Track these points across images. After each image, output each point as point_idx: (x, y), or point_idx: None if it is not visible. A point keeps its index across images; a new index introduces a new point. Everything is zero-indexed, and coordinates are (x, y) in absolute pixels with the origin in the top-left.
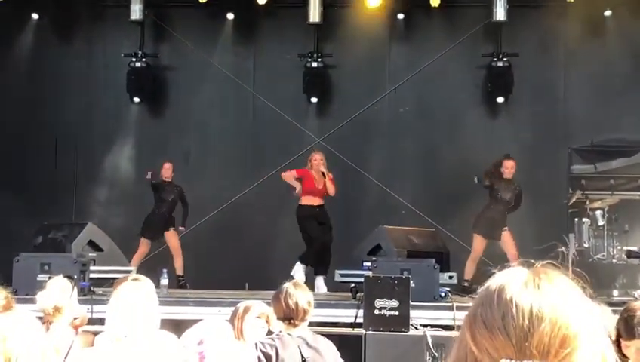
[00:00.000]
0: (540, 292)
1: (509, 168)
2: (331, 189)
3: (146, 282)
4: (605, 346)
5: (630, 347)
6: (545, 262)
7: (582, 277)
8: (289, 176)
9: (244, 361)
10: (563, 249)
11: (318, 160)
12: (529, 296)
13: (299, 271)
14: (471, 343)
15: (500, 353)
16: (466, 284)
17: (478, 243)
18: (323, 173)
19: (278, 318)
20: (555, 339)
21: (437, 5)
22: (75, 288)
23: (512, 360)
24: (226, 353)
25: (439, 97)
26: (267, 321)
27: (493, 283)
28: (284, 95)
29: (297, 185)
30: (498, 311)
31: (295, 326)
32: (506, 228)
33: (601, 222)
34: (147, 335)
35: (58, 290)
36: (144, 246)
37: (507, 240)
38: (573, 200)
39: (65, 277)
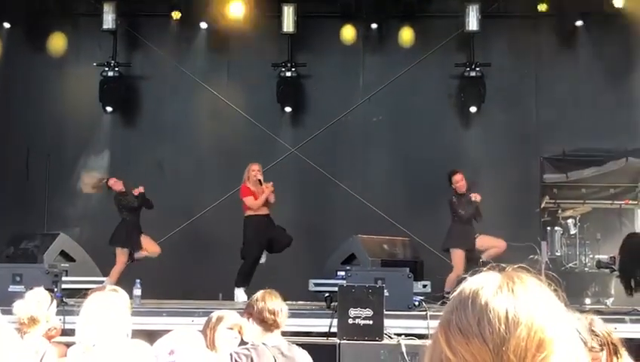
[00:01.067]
0: (515, 296)
1: (459, 181)
2: (272, 197)
3: (116, 292)
4: (579, 351)
5: None
6: (516, 266)
7: (555, 281)
8: (253, 202)
9: None
10: (537, 256)
11: (254, 170)
12: (504, 300)
13: (240, 295)
14: (446, 349)
15: (476, 358)
16: (446, 296)
17: (457, 257)
18: (260, 181)
19: (254, 322)
20: (532, 343)
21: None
22: (54, 301)
23: None
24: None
25: (413, 107)
26: (240, 332)
27: (466, 287)
28: (257, 104)
29: (264, 194)
30: (473, 317)
31: (271, 330)
32: (477, 234)
33: (573, 231)
34: (116, 343)
35: (35, 302)
36: (123, 255)
37: (484, 241)
38: (543, 205)
39: (45, 289)
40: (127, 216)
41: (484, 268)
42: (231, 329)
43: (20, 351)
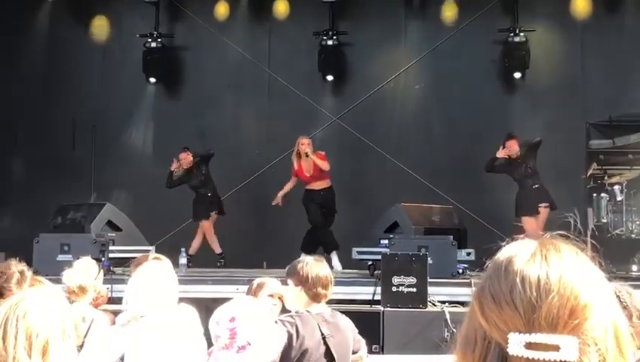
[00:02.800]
0: (548, 263)
1: (512, 146)
2: (322, 164)
3: (163, 261)
4: (617, 316)
5: None
6: (554, 233)
7: (593, 248)
8: (286, 185)
9: (273, 338)
10: (572, 219)
11: (303, 143)
12: (536, 267)
13: (335, 260)
14: (480, 316)
15: (508, 325)
16: None
17: (528, 224)
18: (306, 154)
19: (302, 290)
20: (564, 310)
21: None
22: (102, 271)
23: (520, 332)
24: (257, 331)
25: (455, 74)
26: (280, 299)
27: (501, 256)
28: (299, 73)
29: (279, 198)
30: (506, 284)
31: (319, 301)
32: (545, 204)
33: (619, 197)
34: (164, 313)
35: (84, 271)
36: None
37: (540, 218)
38: (589, 172)
39: (93, 258)
40: (199, 190)
41: (521, 236)
42: (271, 296)
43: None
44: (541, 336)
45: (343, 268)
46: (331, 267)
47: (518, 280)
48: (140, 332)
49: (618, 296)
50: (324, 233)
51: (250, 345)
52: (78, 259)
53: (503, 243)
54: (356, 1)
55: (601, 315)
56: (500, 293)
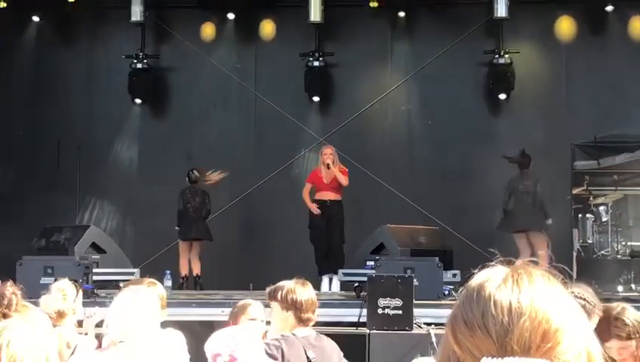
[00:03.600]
0: (519, 288)
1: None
2: (342, 179)
3: (154, 286)
4: (590, 341)
5: (611, 348)
6: (525, 259)
7: (564, 273)
8: (305, 196)
9: None
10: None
11: (325, 153)
12: (508, 292)
13: (324, 283)
14: (453, 343)
15: (481, 350)
16: None
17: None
18: (328, 165)
19: (285, 311)
20: (536, 334)
21: (438, 3)
22: (80, 291)
23: (493, 357)
24: (255, 352)
25: (441, 95)
26: (262, 323)
27: (472, 282)
28: (285, 94)
29: (312, 207)
30: (478, 309)
31: (306, 324)
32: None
33: (605, 218)
34: (145, 338)
35: (61, 294)
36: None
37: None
38: (574, 192)
39: (70, 280)
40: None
41: (493, 263)
42: (253, 320)
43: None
44: (514, 360)
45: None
46: (318, 289)
47: (489, 304)
48: (120, 358)
49: (574, 294)
50: (320, 254)
51: None
52: (55, 281)
53: (475, 271)
54: (342, 23)
55: (574, 339)
56: (473, 318)
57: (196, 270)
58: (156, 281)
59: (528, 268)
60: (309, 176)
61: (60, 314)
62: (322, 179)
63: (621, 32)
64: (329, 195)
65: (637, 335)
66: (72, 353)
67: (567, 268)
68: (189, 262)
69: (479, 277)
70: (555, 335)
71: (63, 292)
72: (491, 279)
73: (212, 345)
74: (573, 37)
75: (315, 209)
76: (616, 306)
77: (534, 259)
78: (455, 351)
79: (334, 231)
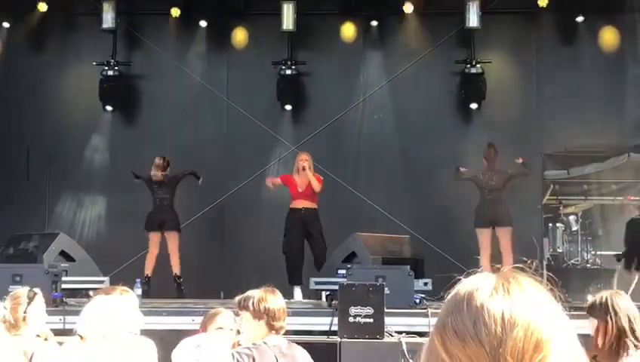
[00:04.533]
0: (511, 297)
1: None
2: (315, 184)
3: (127, 293)
4: (578, 351)
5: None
6: (512, 266)
7: (551, 281)
8: (271, 180)
9: None
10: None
11: (302, 159)
12: (500, 301)
13: (297, 292)
14: (442, 352)
15: (473, 361)
16: None
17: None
18: (303, 168)
19: (257, 320)
20: (529, 344)
21: (410, 12)
22: (35, 300)
23: None
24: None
25: (413, 104)
26: (232, 331)
27: (461, 289)
28: (258, 103)
29: (275, 182)
30: (469, 319)
31: (278, 332)
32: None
33: (574, 227)
34: (116, 339)
35: (11, 304)
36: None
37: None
38: (544, 201)
39: (27, 288)
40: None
41: (479, 270)
42: (221, 328)
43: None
44: None
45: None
46: (289, 298)
47: (481, 314)
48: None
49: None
50: (290, 264)
51: None
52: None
53: (461, 276)
54: (315, 31)
55: (564, 349)
56: (464, 329)
57: (175, 268)
58: (129, 289)
59: (517, 275)
60: (282, 176)
61: (12, 324)
62: (297, 187)
63: (591, 42)
64: (303, 203)
65: (618, 323)
66: (30, 360)
67: (554, 276)
68: (156, 259)
69: (467, 285)
70: (546, 345)
71: (16, 301)
72: (481, 287)
73: (178, 353)
74: (544, 47)
75: (270, 182)
76: (616, 292)
77: (519, 265)
78: (445, 360)
79: (317, 243)
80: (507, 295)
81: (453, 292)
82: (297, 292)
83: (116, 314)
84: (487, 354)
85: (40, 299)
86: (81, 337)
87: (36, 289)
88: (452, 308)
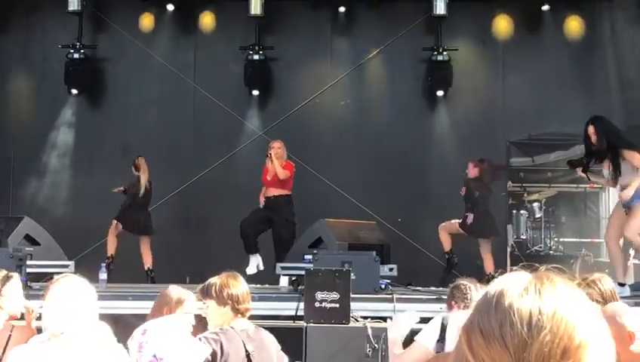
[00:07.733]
0: (541, 298)
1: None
2: (279, 171)
3: (80, 278)
4: (610, 358)
5: None
6: (549, 266)
7: (590, 283)
8: (260, 196)
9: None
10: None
11: (273, 147)
12: (529, 302)
13: (251, 262)
14: (467, 351)
15: None
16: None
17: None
18: (269, 155)
19: (222, 306)
20: (556, 350)
21: None
22: (9, 282)
23: None
24: (168, 345)
25: (380, 90)
26: (191, 316)
27: (492, 288)
28: (225, 87)
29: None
30: (496, 319)
31: (244, 315)
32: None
33: (538, 214)
34: (83, 330)
35: None
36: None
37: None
38: (508, 188)
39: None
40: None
41: (515, 268)
42: (187, 313)
43: None
44: None
45: (265, 284)
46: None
47: (508, 315)
48: (56, 349)
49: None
50: (242, 233)
51: (159, 360)
52: None
53: (496, 275)
54: (283, 17)
55: (597, 357)
56: (490, 329)
57: (147, 263)
58: (74, 276)
59: (552, 275)
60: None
61: None
62: (266, 175)
63: (557, 31)
64: (272, 191)
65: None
66: (6, 345)
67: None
68: (116, 243)
69: (499, 284)
70: (576, 352)
71: None
72: (512, 286)
73: (128, 342)
74: (510, 35)
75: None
76: (599, 277)
77: (557, 266)
78: (469, 359)
79: (280, 231)
80: (538, 296)
81: (484, 291)
82: (252, 261)
83: (78, 305)
84: (512, 357)
85: (16, 282)
86: (49, 332)
87: (12, 273)
88: (481, 307)
